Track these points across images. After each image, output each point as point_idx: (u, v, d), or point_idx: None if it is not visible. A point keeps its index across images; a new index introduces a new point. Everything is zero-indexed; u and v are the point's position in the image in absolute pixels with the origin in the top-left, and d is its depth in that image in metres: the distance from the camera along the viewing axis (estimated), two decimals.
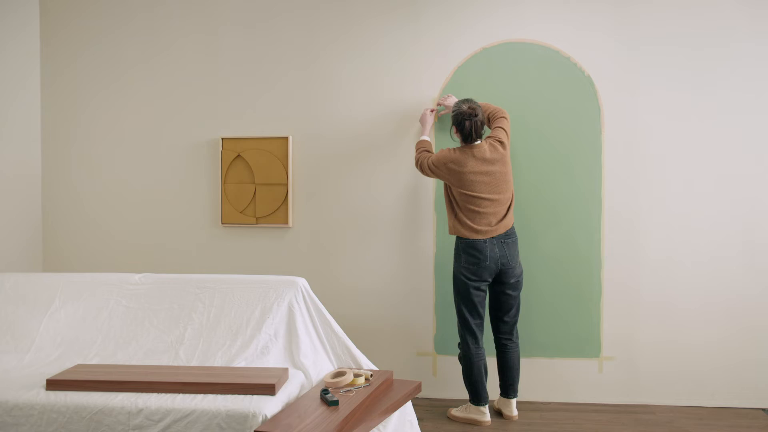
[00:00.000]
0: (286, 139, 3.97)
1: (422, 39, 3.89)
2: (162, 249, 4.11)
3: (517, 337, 3.57)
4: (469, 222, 3.39)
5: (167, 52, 4.11)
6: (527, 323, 3.80)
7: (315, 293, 3.21)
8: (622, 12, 3.76)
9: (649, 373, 3.74)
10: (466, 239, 3.41)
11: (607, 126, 3.76)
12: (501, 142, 3.43)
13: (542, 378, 3.82)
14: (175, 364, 2.90)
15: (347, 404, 2.50)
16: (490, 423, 3.48)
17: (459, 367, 3.89)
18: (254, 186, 3.99)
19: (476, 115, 3.38)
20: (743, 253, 3.71)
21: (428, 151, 3.56)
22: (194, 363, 2.90)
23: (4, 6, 3.94)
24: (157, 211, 4.12)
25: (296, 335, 2.99)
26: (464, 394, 3.82)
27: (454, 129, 3.48)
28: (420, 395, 3.83)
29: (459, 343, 3.54)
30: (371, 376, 2.84)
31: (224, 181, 4.02)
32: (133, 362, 2.93)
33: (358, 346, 3.14)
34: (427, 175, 3.52)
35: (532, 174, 3.81)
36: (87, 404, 2.46)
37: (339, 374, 2.80)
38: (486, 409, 3.49)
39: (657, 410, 3.68)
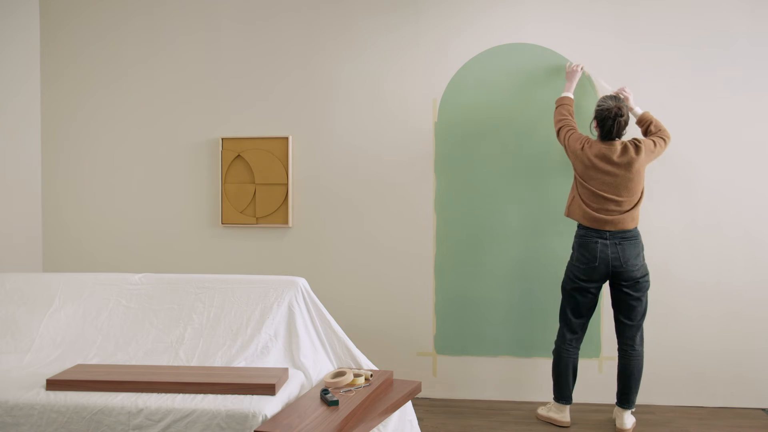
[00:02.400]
0: (286, 139, 3.97)
1: (422, 39, 3.89)
2: (162, 249, 4.11)
3: (640, 345, 3.37)
4: (585, 207, 3.31)
5: (167, 53, 4.11)
6: (527, 323, 3.80)
7: (315, 293, 3.21)
8: (621, 12, 3.76)
9: (649, 373, 3.74)
10: (581, 236, 3.34)
11: None
12: (637, 147, 3.28)
13: (542, 378, 3.81)
14: (175, 364, 2.90)
15: (347, 404, 2.50)
16: (569, 425, 3.40)
17: (459, 367, 3.90)
18: (254, 186, 3.99)
19: (621, 115, 3.25)
20: (744, 253, 3.71)
21: (572, 127, 3.45)
22: (194, 363, 2.90)
23: (4, 6, 3.94)
24: (157, 211, 4.12)
25: (296, 335, 2.99)
26: (464, 394, 3.83)
27: (594, 123, 3.36)
28: (420, 395, 3.83)
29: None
30: (371, 376, 2.84)
31: (224, 181, 4.02)
32: (133, 362, 2.93)
33: (358, 346, 3.14)
34: (560, 143, 3.48)
35: (531, 174, 3.81)
36: (87, 404, 2.46)
37: (339, 374, 2.80)
38: (566, 409, 3.42)
39: (657, 410, 3.68)
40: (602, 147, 3.29)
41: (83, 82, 4.18)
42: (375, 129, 3.94)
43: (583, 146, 3.34)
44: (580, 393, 3.78)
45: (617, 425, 3.38)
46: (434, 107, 3.88)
